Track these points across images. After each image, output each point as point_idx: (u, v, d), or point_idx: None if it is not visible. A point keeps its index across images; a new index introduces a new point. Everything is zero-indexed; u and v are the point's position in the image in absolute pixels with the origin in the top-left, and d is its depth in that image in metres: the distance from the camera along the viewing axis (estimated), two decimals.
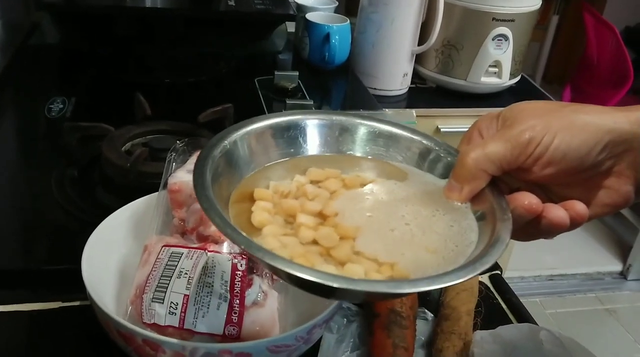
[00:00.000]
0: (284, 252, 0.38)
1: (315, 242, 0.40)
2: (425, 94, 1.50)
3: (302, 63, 1.35)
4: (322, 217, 0.42)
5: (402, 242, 0.41)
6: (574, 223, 0.41)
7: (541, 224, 0.40)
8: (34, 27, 1.37)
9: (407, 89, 1.46)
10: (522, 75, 1.56)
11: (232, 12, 1.27)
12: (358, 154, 0.48)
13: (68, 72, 1.25)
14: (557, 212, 0.40)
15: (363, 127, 0.49)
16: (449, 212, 0.43)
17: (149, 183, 0.69)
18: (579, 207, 0.40)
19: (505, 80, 1.45)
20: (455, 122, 1.46)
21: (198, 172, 0.39)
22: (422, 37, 1.39)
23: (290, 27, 1.47)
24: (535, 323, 0.65)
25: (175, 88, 1.20)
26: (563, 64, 3.14)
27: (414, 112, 0.94)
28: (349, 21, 1.33)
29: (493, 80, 1.44)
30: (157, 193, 0.64)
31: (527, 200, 0.40)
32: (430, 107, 1.43)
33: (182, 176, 0.62)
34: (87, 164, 0.86)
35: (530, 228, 0.41)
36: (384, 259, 0.39)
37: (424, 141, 0.48)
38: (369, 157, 0.48)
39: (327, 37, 1.29)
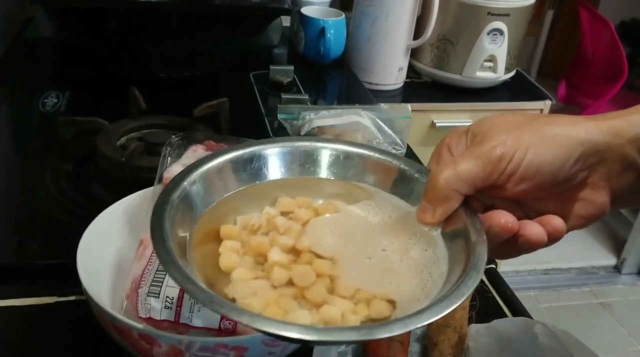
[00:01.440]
0: (255, 300, 0.36)
1: (290, 281, 0.38)
2: (421, 88, 1.50)
3: (298, 57, 1.35)
4: (295, 252, 0.41)
5: (382, 270, 0.40)
6: (552, 239, 0.40)
7: (518, 242, 0.39)
8: (28, 21, 1.36)
9: (402, 84, 1.46)
10: (517, 69, 1.57)
11: (227, 6, 1.27)
12: (325, 177, 0.46)
13: (62, 67, 1.24)
14: (534, 229, 0.39)
15: (329, 151, 0.46)
16: (424, 236, 0.42)
17: (144, 177, 0.69)
18: (556, 222, 0.39)
19: (501, 74, 1.45)
20: (450, 116, 1.46)
21: (155, 222, 0.37)
22: (418, 32, 1.39)
23: (286, 21, 1.47)
24: (530, 317, 0.65)
25: (170, 83, 1.19)
26: (558, 59, 3.14)
27: (409, 106, 0.94)
28: (344, 15, 1.33)
29: (488, 74, 1.44)
30: (152, 187, 0.64)
31: (502, 218, 0.39)
32: (425, 102, 1.43)
33: (177, 171, 0.61)
34: (81, 158, 0.86)
35: (507, 247, 0.40)
36: (370, 291, 0.38)
37: (394, 162, 0.46)
38: (334, 179, 0.46)
39: (323, 31, 1.28)
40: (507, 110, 1.50)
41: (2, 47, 1.22)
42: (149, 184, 0.65)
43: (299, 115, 0.90)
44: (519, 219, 0.40)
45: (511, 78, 1.53)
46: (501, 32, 1.38)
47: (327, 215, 0.44)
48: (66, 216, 0.77)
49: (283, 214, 0.44)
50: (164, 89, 1.16)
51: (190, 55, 1.31)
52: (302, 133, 0.86)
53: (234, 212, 0.43)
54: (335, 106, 0.92)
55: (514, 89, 1.55)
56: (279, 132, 0.98)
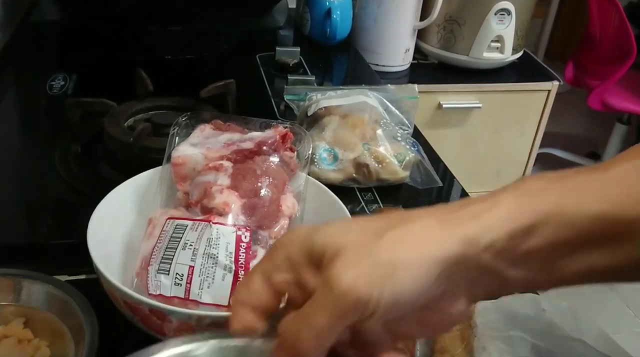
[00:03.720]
0: None
1: None
2: (427, 69, 1.50)
3: (304, 39, 1.34)
4: None
5: None
6: None
7: None
8: (34, 4, 1.36)
9: (409, 65, 1.45)
10: (524, 50, 1.56)
11: None
12: None
13: (69, 49, 1.24)
14: None
15: None
16: None
17: (152, 158, 0.69)
18: None
19: (508, 55, 1.44)
20: (457, 98, 1.46)
21: None
22: (424, 12, 1.38)
23: (291, 2, 1.46)
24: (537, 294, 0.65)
25: (176, 65, 1.19)
26: (566, 40, 3.12)
27: (416, 87, 0.94)
28: None
29: (495, 55, 1.43)
30: (160, 167, 0.64)
31: None
32: (432, 83, 1.43)
33: (185, 150, 0.62)
34: (90, 139, 0.86)
35: None
36: None
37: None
38: None
39: (329, 12, 1.28)
40: (516, 92, 1.50)
41: (8, 30, 1.22)
42: (157, 164, 0.66)
43: (305, 96, 0.90)
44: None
45: (518, 59, 1.52)
46: (508, 12, 1.37)
47: None
48: (75, 197, 0.78)
49: None
50: (170, 71, 1.16)
51: (195, 37, 1.30)
52: (309, 113, 0.86)
53: None
54: (342, 87, 0.92)
55: (521, 70, 1.55)
56: (286, 113, 0.98)
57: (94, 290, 0.56)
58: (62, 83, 1.03)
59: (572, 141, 2.74)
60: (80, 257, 0.57)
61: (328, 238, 0.35)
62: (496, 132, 1.55)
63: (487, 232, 0.35)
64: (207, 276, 0.53)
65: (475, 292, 0.37)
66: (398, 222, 0.35)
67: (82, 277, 0.65)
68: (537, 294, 0.63)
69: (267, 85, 1.10)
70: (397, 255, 0.34)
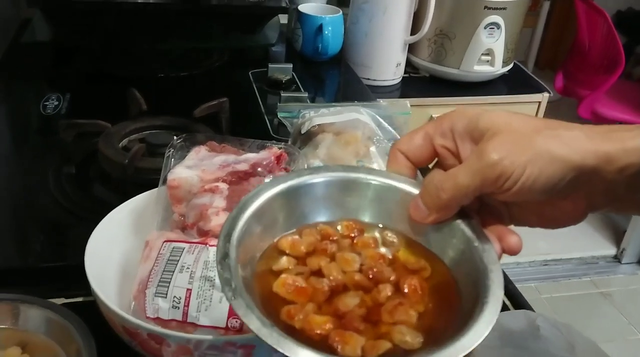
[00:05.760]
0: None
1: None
2: (419, 83, 1.51)
3: (296, 55, 1.35)
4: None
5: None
6: (505, 253, 0.42)
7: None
8: (26, 24, 1.36)
9: (400, 79, 1.46)
10: (514, 62, 1.57)
11: (225, 5, 1.27)
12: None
13: (61, 69, 1.24)
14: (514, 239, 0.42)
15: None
16: None
17: (147, 179, 0.70)
18: (512, 241, 0.42)
19: (498, 68, 1.45)
20: (448, 111, 1.46)
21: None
22: (415, 27, 1.40)
23: (283, 19, 1.47)
24: (532, 309, 0.66)
25: (169, 82, 1.20)
26: (555, 50, 3.15)
27: (407, 102, 0.95)
28: (341, 12, 1.33)
29: (486, 68, 1.45)
30: (156, 189, 0.65)
31: (513, 240, 0.42)
32: (423, 97, 1.44)
33: (180, 172, 0.62)
34: (83, 160, 0.86)
35: None
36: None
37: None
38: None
39: (320, 28, 1.29)
40: (506, 104, 1.51)
41: (0, 50, 1.22)
42: (152, 185, 0.66)
43: (299, 113, 0.90)
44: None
45: (509, 71, 1.54)
46: (498, 25, 1.39)
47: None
48: (69, 219, 0.78)
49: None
50: (163, 88, 1.16)
51: (188, 54, 1.31)
52: (302, 131, 0.86)
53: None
54: (335, 104, 0.92)
55: (511, 82, 1.56)
56: (279, 131, 0.99)
57: (91, 313, 0.56)
58: (56, 103, 1.03)
59: None
60: (75, 280, 0.57)
61: (492, 121, 0.41)
62: None
63: (627, 156, 0.38)
64: (205, 299, 0.53)
65: (594, 204, 0.42)
66: (554, 125, 0.40)
67: (79, 299, 0.65)
68: (533, 310, 0.64)
69: (260, 102, 1.11)
70: (546, 149, 0.38)
